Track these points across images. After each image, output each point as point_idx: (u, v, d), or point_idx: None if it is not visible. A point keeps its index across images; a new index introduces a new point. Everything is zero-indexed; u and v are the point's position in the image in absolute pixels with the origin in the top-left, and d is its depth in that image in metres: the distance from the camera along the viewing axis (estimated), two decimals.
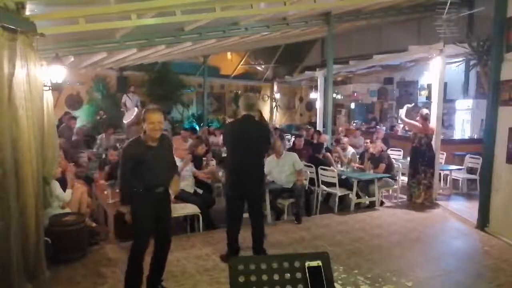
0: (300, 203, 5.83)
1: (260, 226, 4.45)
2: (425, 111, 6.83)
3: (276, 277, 1.44)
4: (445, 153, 8.06)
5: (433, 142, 6.76)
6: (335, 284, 2.72)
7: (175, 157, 5.72)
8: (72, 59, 7.65)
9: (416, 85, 12.44)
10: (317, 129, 10.10)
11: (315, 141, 8.45)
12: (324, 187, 6.57)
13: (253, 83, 16.11)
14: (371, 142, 7.61)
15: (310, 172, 6.60)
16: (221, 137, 10.55)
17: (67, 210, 4.65)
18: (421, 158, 6.64)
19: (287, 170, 5.86)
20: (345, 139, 8.14)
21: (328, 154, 7.35)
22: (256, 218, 4.45)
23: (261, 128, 4.45)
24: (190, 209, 5.24)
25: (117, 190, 3.53)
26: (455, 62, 8.02)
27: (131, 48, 7.24)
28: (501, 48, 5.15)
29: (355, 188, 6.41)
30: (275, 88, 15.98)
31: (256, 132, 4.30)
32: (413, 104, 7.69)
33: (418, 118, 6.80)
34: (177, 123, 12.85)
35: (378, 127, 11.26)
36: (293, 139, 9.10)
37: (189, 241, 4.88)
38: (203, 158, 7.10)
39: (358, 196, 6.54)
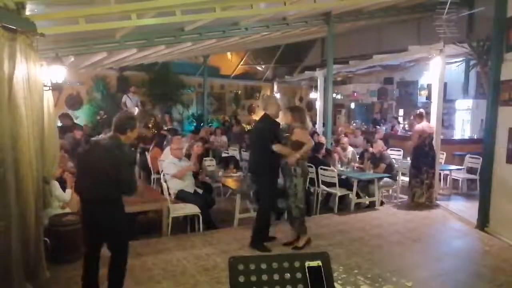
0: None
1: (255, 221, 4.71)
2: (419, 110, 6.83)
3: (276, 277, 1.43)
4: (445, 153, 8.05)
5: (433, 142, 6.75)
6: (335, 284, 2.72)
7: (172, 157, 5.81)
8: (72, 59, 7.65)
9: (416, 85, 12.43)
10: (316, 130, 10.10)
11: (316, 140, 8.44)
12: (324, 187, 6.56)
13: (253, 83, 16.10)
14: (371, 143, 7.61)
15: (310, 172, 6.59)
16: (223, 137, 10.70)
17: (67, 210, 4.64)
18: (424, 157, 6.61)
19: None
20: (345, 139, 8.14)
21: (333, 153, 7.38)
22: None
23: (263, 123, 4.62)
24: (190, 209, 5.25)
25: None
26: (455, 62, 8.02)
27: (131, 48, 7.23)
28: (501, 48, 5.15)
29: (355, 188, 6.41)
30: (275, 88, 15.96)
31: (258, 128, 4.58)
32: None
33: (413, 119, 6.78)
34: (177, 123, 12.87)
35: (378, 127, 11.26)
36: None
37: (189, 241, 4.88)
38: (204, 158, 7.12)
39: (358, 196, 6.54)
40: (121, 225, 3.22)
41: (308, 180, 4.94)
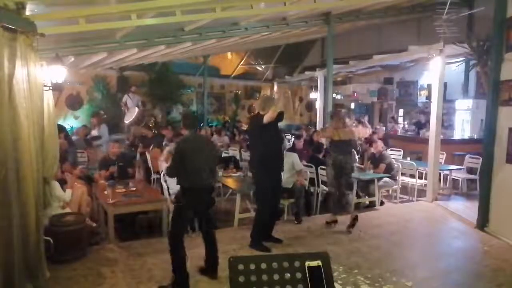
0: (300, 203, 5.83)
1: (254, 220, 4.84)
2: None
3: (276, 277, 1.43)
4: (445, 153, 8.05)
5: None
6: (335, 284, 2.72)
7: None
8: (72, 59, 7.65)
9: (416, 85, 12.43)
10: (317, 129, 10.10)
11: (316, 140, 8.43)
12: (324, 187, 6.56)
13: (253, 83, 16.09)
14: (371, 143, 7.61)
15: (310, 172, 6.60)
16: (225, 138, 10.70)
17: (67, 210, 4.65)
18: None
19: (287, 170, 5.86)
20: None
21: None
22: None
23: (257, 122, 4.85)
24: None
25: None
26: (455, 62, 8.02)
27: (131, 48, 7.23)
28: (501, 48, 5.15)
29: (355, 188, 6.40)
30: (275, 88, 15.97)
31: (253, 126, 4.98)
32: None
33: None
34: (177, 123, 12.85)
35: (378, 127, 11.25)
36: (293, 139, 9.11)
37: (189, 241, 4.86)
38: None
39: (358, 196, 6.53)
40: None
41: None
